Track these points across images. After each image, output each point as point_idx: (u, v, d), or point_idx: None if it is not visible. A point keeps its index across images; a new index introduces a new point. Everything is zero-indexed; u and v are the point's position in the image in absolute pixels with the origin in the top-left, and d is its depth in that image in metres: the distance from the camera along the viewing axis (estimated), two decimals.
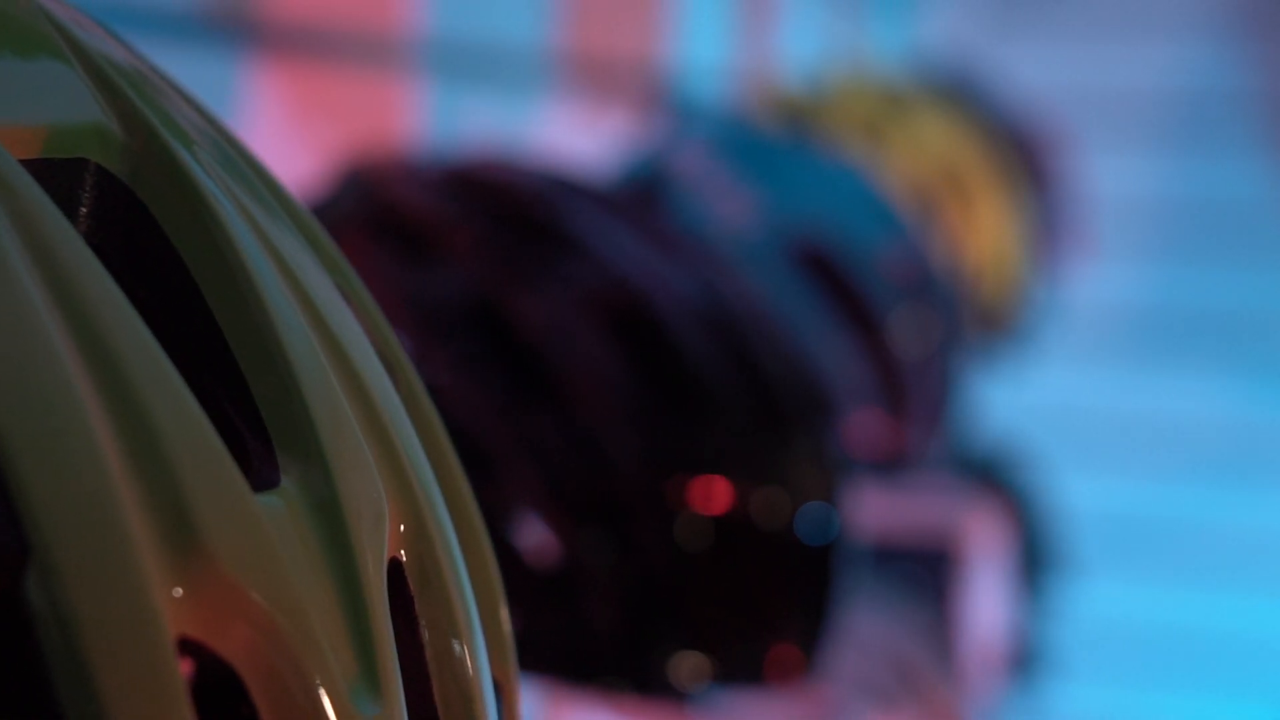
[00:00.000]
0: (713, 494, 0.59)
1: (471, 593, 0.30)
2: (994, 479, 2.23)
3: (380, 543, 0.27)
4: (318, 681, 0.25)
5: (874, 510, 1.05)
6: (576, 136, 1.24)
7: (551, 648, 0.58)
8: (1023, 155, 1.82)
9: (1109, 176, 2.64)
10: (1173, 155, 2.78)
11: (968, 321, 1.06)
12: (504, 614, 0.32)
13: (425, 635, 0.29)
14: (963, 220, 1.35)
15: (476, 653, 0.29)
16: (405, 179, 0.65)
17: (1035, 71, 2.72)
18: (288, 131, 0.88)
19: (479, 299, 0.60)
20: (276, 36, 0.86)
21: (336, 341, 0.29)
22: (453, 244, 0.61)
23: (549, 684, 0.60)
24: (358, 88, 0.96)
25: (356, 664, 0.26)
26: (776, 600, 0.59)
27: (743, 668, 0.59)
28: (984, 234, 1.36)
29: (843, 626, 0.62)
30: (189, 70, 0.79)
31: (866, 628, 1.60)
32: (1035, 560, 2.19)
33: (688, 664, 0.58)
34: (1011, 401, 2.87)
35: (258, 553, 0.25)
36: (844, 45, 2.13)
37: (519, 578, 0.58)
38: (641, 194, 0.99)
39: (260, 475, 0.27)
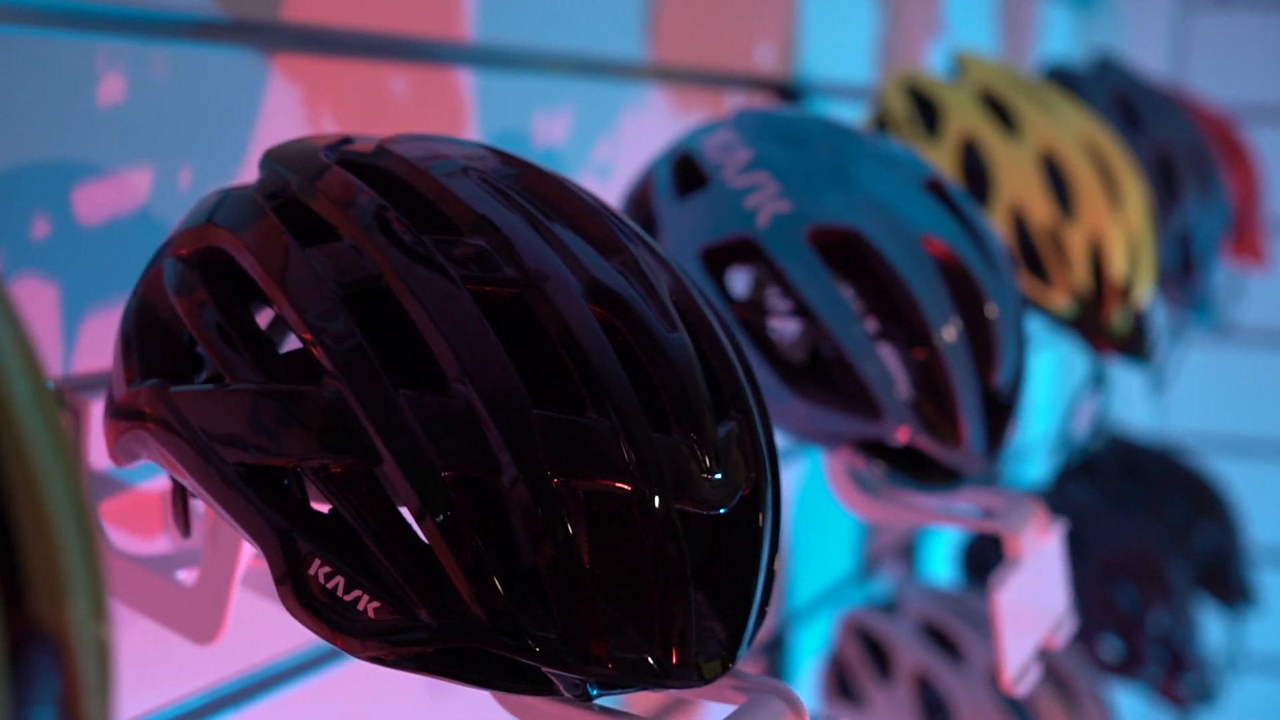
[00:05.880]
0: (600, 493, 0.57)
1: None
2: (1191, 476, 2.14)
3: None
4: None
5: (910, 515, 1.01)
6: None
7: (440, 643, 0.57)
8: (1191, 161, 1.74)
9: None
10: None
11: (1029, 327, 1.00)
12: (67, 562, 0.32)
13: None
14: (1081, 219, 1.29)
15: None
16: (311, 158, 0.65)
17: (1213, 79, 2.63)
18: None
19: (370, 280, 0.60)
20: (331, 40, 0.88)
21: None
22: (350, 227, 0.61)
23: (444, 684, 0.58)
24: (406, 87, 0.97)
25: None
26: (670, 604, 0.57)
27: (631, 670, 0.56)
28: (1106, 234, 1.30)
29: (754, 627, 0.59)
30: (217, 70, 0.81)
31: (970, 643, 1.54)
32: (1234, 559, 2.10)
33: (582, 664, 0.56)
34: (1171, 414, 2.78)
35: None
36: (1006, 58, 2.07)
37: (399, 568, 0.57)
38: (657, 185, 0.97)
39: None
